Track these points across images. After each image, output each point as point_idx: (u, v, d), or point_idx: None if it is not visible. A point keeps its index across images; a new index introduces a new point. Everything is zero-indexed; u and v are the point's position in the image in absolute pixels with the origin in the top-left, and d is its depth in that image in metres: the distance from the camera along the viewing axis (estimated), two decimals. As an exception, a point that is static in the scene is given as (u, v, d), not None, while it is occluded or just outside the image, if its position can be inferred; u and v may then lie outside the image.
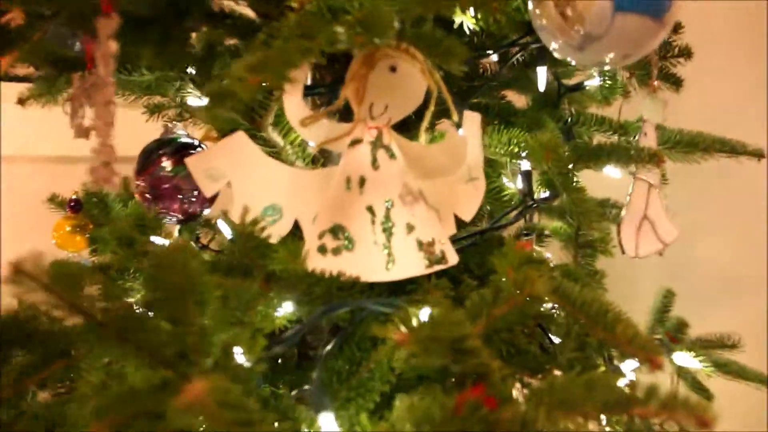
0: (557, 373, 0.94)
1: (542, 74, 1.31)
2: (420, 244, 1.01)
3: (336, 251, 1.02)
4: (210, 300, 0.77)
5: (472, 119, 1.04)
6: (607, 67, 1.21)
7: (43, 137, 1.81)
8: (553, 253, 1.46)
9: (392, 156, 1.03)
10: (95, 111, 0.96)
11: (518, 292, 0.77)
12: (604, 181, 1.39)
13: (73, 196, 1.49)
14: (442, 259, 1.02)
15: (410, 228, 1.01)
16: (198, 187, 1.07)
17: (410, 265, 1.00)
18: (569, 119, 1.48)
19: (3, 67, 1.17)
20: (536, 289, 0.76)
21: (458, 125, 1.06)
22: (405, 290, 1.02)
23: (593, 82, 1.54)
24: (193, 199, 1.21)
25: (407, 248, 1.01)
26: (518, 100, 1.61)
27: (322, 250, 1.03)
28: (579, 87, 1.55)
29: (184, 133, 1.28)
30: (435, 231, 1.03)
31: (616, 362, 1.14)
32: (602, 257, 1.45)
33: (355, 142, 1.05)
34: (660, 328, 1.60)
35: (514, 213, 1.24)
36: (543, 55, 1.28)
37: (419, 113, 1.04)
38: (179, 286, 0.75)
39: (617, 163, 1.15)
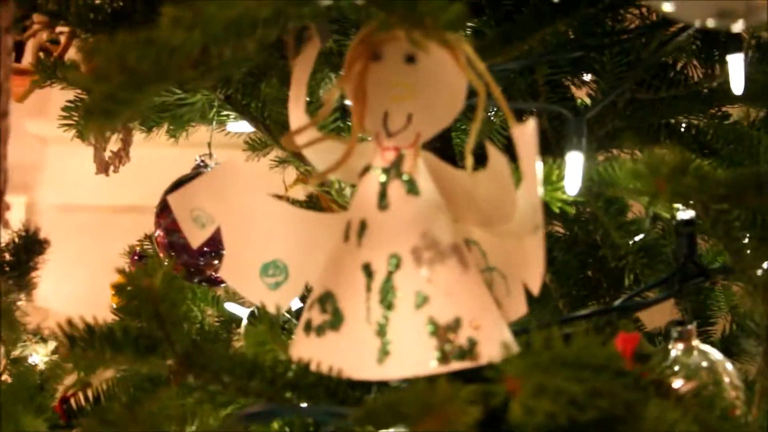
0: None
1: (736, 66, 0.86)
2: (434, 326, 0.67)
3: (320, 330, 0.72)
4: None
5: (522, 133, 0.66)
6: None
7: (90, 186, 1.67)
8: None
9: (412, 191, 0.70)
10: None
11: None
12: None
13: (137, 250, 1.29)
14: (469, 353, 0.66)
15: (422, 300, 0.68)
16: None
17: (412, 358, 0.68)
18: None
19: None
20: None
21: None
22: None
23: None
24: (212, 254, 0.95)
25: (412, 331, 0.68)
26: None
27: (307, 327, 0.74)
28: None
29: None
30: (469, 308, 0.69)
31: None
32: None
33: (367, 170, 0.71)
34: None
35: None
36: (732, 37, 0.84)
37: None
38: None
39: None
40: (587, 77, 1.12)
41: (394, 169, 0.73)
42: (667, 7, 0.63)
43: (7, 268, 1.69)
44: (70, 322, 0.69)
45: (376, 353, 0.69)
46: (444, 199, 0.75)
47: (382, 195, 0.72)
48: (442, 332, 0.68)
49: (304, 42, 0.80)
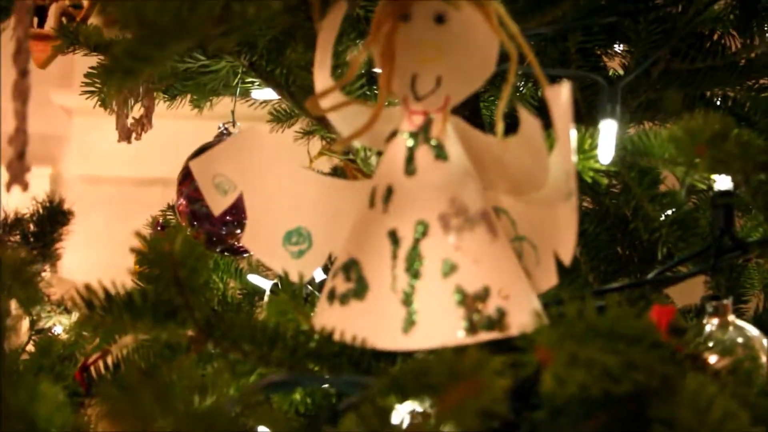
0: None
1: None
2: (462, 295, 0.63)
3: (343, 299, 0.69)
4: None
5: (557, 96, 0.62)
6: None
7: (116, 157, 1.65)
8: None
9: (441, 156, 0.68)
10: (12, 87, 0.70)
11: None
12: None
13: (160, 220, 1.27)
14: (498, 323, 0.63)
15: (450, 268, 0.65)
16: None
17: (439, 328, 0.65)
18: None
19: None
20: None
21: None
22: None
23: None
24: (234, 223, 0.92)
25: (439, 300, 0.65)
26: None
27: (330, 296, 0.71)
28: None
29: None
30: (498, 275, 0.65)
31: None
32: None
33: (394, 135, 0.68)
34: None
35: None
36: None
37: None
38: None
39: None
40: (619, 48, 1.08)
41: (422, 133, 0.70)
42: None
43: (32, 239, 1.69)
44: (88, 288, 0.67)
45: (402, 323, 0.66)
46: (473, 165, 0.72)
47: (410, 160, 0.70)
48: (470, 301, 0.65)
49: (330, 3, 0.77)
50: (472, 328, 0.65)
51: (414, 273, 0.67)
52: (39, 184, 1.95)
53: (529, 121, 0.65)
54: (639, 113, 1.01)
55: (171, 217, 1.34)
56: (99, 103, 1.17)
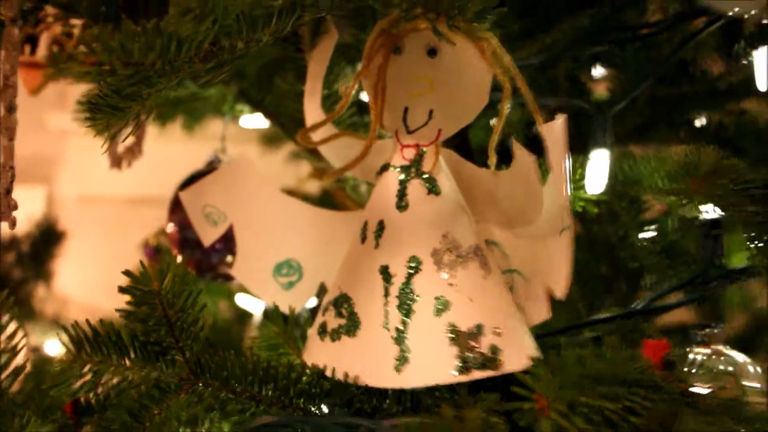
0: None
1: (761, 61, 0.79)
2: (455, 333, 0.59)
3: (335, 335, 0.65)
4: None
5: (551, 131, 0.59)
6: None
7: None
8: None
9: (433, 190, 0.64)
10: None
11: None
12: None
13: (152, 242, 1.23)
14: (491, 361, 0.59)
15: (443, 305, 0.62)
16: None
17: (432, 367, 0.61)
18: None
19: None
20: None
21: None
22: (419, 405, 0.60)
23: None
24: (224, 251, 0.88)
25: (432, 339, 0.62)
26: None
27: (322, 331, 0.67)
28: None
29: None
30: (491, 314, 0.62)
31: None
32: None
33: (385, 169, 0.65)
34: None
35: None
36: (760, 31, 0.77)
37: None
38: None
39: None
40: (603, 73, 1.05)
41: (413, 167, 0.67)
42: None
43: (26, 258, 1.65)
44: (76, 326, 0.64)
45: (394, 360, 0.63)
46: (465, 197, 0.68)
47: (401, 194, 0.66)
48: (463, 339, 0.62)
49: (320, 35, 0.73)
50: (465, 367, 0.61)
51: (406, 310, 0.63)
52: (34, 203, 1.91)
53: (523, 156, 0.62)
54: (626, 138, 0.98)
55: (163, 240, 1.30)
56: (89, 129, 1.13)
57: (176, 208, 0.97)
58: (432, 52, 0.65)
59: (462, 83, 0.66)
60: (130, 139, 0.98)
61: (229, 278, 1.00)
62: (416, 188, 0.66)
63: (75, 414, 0.75)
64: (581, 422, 0.47)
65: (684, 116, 1.03)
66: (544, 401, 0.48)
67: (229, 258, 0.94)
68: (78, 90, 1.15)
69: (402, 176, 0.67)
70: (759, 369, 0.79)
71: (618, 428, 0.50)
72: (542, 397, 0.48)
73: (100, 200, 2.05)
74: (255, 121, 1.10)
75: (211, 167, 1.00)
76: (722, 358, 0.77)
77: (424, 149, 0.67)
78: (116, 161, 0.98)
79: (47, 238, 1.63)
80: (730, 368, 0.77)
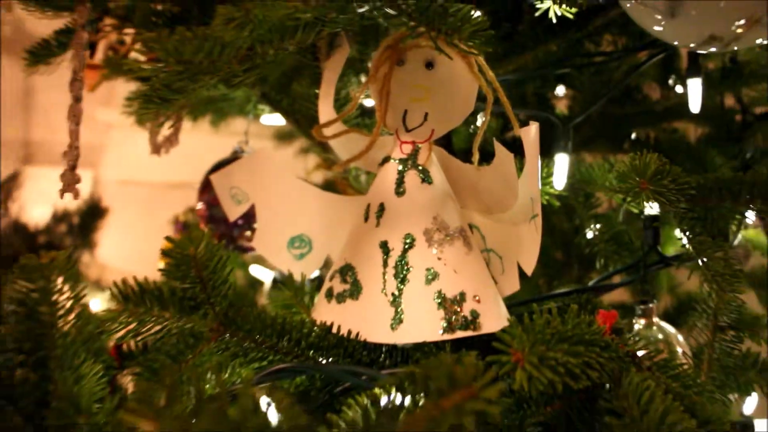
0: None
1: (695, 89, 0.79)
2: (442, 298, 0.58)
3: (340, 298, 0.64)
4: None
5: (527, 134, 0.58)
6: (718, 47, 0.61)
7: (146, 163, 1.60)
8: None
9: (426, 180, 0.62)
10: (68, 110, 0.64)
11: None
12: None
13: (181, 219, 1.21)
14: (472, 323, 0.58)
15: (432, 276, 0.60)
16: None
17: (422, 326, 0.60)
18: (748, 156, 0.92)
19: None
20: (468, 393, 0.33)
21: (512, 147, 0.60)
22: (409, 357, 0.59)
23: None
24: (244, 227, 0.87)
25: (422, 303, 0.61)
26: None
27: (329, 295, 0.66)
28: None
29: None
30: (472, 283, 0.60)
31: None
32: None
33: (386, 161, 0.63)
34: None
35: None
36: (693, 64, 0.76)
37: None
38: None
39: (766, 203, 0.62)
40: (563, 91, 1.05)
41: (410, 160, 0.66)
42: (661, 31, 0.56)
43: (76, 230, 1.62)
44: (124, 281, 0.62)
45: (390, 320, 0.62)
46: (452, 188, 0.68)
47: (400, 182, 0.66)
48: (448, 305, 0.62)
49: (335, 48, 0.72)
50: (450, 328, 0.61)
51: (402, 279, 0.63)
52: (82, 184, 1.87)
53: (504, 153, 0.62)
54: (581, 146, 0.98)
55: (191, 217, 1.28)
56: (135, 121, 1.12)
57: (205, 189, 0.96)
58: (429, 65, 0.64)
59: (453, 92, 0.65)
60: (169, 130, 0.96)
61: (246, 250, 0.99)
62: (412, 177, 0.66)
63: (118, 357, 0.73)
64: (549, 373, 0.47)
65: (627, 131, 1.03)
66: (519, 355, 0.47)
67: (248, 232, 0.93)
68: (123, 89, 1.14)
69: (400, 167, 0.66)
70: (682, 338, 0.79)
71: (578, 379, 0.49)
72: (518, 352, 0.47)
73: (137, 183, 2.03)
74: (274, 119, 1.09)
75: (235, 156, 0.98)
76: (656, 328, 0.78)
77: (420, 145, 0.66)
78: (156, 148, 0.96)
79: (92, 214, 1.61)
80: (661, 336, 0.77)
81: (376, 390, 0.42)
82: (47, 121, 1.89)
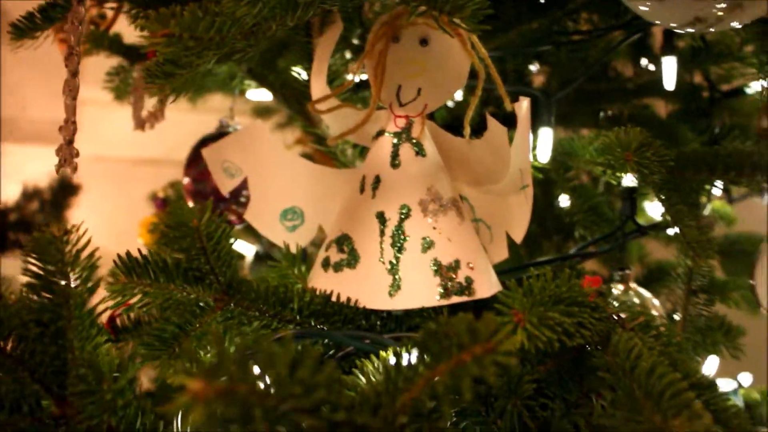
0: None
1: (670, 67, 0.83)
2: (437, 266, 0.61)
3: (337, 267, 0.66)
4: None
5: (520, 108, 0.61)
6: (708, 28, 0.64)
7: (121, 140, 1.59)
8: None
9: (420, 153, 0.65)
10: (64, 84, 0.65)
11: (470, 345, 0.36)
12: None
13: (160, 195, 1.22)
14: (466, 289, 0.62)
15: (428, 244, 0.63)
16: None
17: (419, 292, 0.63)
18: (716, 131, 0.96)
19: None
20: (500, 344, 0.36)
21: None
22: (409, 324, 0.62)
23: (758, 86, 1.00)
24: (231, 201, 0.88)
25: (419, 270, 0.64)
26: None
27: (325, 264, 0.68)
28: (738, 92, 1.02)
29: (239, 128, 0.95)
30: (465, 251, 0.64)
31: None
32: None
33: (380, 134, 0.66)
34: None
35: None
36: (668, 43, 0.80)
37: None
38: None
39: (739, 173, 0.67)
40: (538, 68, 1.08)
41: (404, 133, 0.69)
42: (647, 11, 0.59)
43: (47, 207, 1.61)
44: (129, 256, 0.64)
45: (388, 287, 0.65)
46: (443, 161, 0.71)
47: (395, 155, 0.68)
48: (444, 271, 0.65)
49: (327, 24, 0.74)
50: (446, 293, 0.64)
51: (399, 247, 0.66)
52: (54, 161, 1.85)
53: (497, 127, 0.65)
54: (556, 122, 1.01)
55: (171, 193, 1.29)
56: (114, 97, 1.12)
57: (191, 164, 0.97)
58: (424, 42, 0.67)
59: (446, 68, 0.68)
60: (154, 105, 0.97)
61: (232, 225, 1.00)
62: (407, 150, 0.68)
63: (113, 330, 0.75)
64: (548, 332, 0.50)
65: (601, 107, 1.07)
66: (520, 316, 0.50)
67: (234, 207, 0.94)
68: (94, 66, 1.14)
69: (395, 140, 0.68)
70: (658, 302, 0.84)
71: (573, 338, 0.53)
72: (519, 313, 0.51)
73: (110, 160, 2.01)
74: (259, 94, 1.10)
75: (221, 131, 0.99)
76: (633, 293, 0.82)
77: (413, 119, 0.69)
78: (140, 123, 0.97)
79: (64, 191, 1.60)
80: (638, 300, 0.82)
81: (390, 350, 0.45)
82: (16, 99, 1.86)
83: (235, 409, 0.32)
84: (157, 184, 1.46)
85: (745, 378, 1.00)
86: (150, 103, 1.03)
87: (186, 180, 0.98)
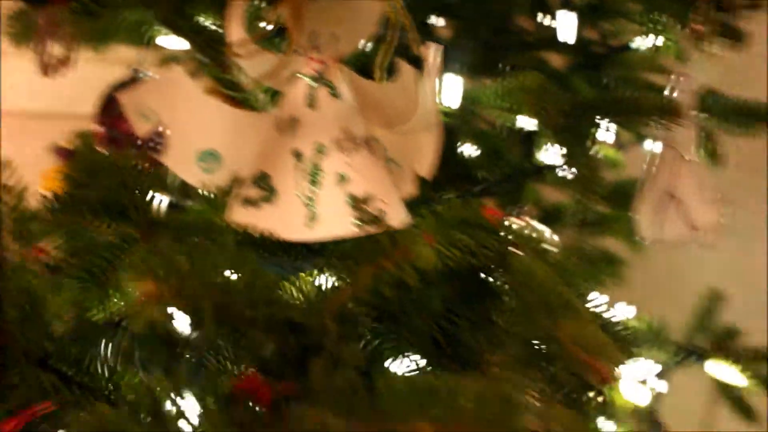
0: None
1: (568, 21, 0.89)
2: (352, 199, 0.66)
3: (255, 203, 0.68)
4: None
5: (428, 54, 0.66)
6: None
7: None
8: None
9: (334, 95, 0.70)
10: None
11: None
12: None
13: (66, 146, 1.20)
14: (379, 220, 0.65)
15: (342, 179, 0.68)
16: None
17: (336, 223, 0.67)
18: (608, 85, 1.04)
19: None
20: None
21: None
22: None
23: (644, 42, 1.08)
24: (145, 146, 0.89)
25: (335, 203, 0.68)
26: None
27: (244, 201, 0.69)
28: (626, 48, 1.11)
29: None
30: (377, 186, 0.68)
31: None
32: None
33: (297, 77, 0.69)
34: (700, 335, 1.13)
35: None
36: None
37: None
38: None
39: (628, 118, 0.74)
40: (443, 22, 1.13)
41: (320, 77, 0.72)
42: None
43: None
44: (49, 196, 0.65)
45: (306, 219, 0.69)
46: (357, 104, 0.75)
47: (311, 97, 0.72)
48: (358, 204, 0.69)
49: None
50: (361, 224, 0.69)
51: (315, 182, 0.70)
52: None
53: (408, 71, 0.69)
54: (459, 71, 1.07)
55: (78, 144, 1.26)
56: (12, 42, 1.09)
57: (104, 112, 0.97)
58: (338, -11, 0.71)
59: (359, 15, 0.72)
60: (61, 51, 0.96)
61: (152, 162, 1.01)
62: (322, 93, 0.72)
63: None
64: (458, 252, 0.57)
65: (502, 59, 1.13)
66: (431, 238, 0.56)
67: (149, 152, 0.95)
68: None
69: (311, 83, 0.72)
70: (557, 237, 0.92)
71: (477, 257, 0.59)
72: (429, 235, 0.56)
73: (7, 114, 1.93)
74: (169, 41, 1.10)
75: (134, 77, 0.99)
76: (530, 227, 0.90)
77: (328, 64, 0.73)
78: (46, 69, 0.95)
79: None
80: (535, 234, 0.90)
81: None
82: None
83: (186, 304, 0.36)
84: (58, 137, 1.43)
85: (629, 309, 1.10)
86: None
87: (97, 127, 0.98)
